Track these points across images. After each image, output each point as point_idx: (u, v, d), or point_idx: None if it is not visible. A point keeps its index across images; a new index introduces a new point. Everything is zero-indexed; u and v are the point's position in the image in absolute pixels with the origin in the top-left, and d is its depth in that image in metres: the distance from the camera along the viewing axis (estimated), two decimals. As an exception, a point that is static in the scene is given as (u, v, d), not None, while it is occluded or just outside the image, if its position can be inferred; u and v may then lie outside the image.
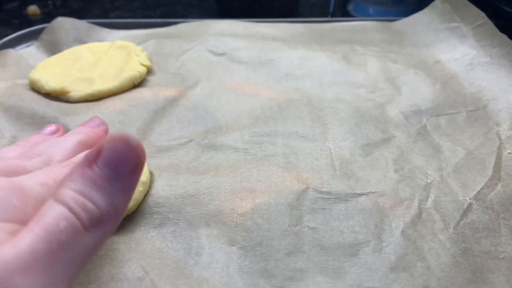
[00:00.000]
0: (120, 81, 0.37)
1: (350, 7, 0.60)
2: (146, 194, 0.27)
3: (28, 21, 0.64)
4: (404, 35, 0.45)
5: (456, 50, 0.41)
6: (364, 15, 0.58)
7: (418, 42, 0.44)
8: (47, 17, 0.65)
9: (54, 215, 0.15)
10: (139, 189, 0.26)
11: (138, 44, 0.44)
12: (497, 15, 0.44)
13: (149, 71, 0.40)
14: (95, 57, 0.41)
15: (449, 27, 0.43)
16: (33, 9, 0.66)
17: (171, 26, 0.48)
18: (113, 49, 0.42)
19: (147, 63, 0.39)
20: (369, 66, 0.40)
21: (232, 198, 0.27)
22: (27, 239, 0.15)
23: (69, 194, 0.16)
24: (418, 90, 0.36)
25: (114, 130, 0.33)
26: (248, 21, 0.48)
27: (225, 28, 0.45)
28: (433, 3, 0.47)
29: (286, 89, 0.37)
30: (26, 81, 0.39)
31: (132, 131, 0.33)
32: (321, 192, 0.27)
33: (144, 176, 0.27)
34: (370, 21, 0.49)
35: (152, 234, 0.25)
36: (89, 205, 0.16)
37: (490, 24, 0.41)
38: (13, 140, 0.32)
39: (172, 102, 0.36)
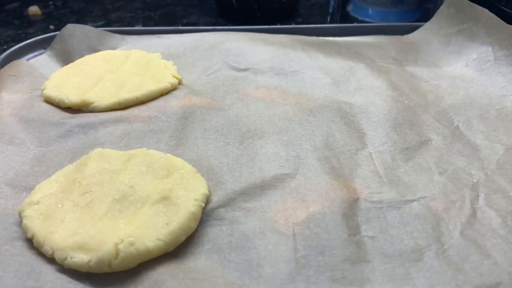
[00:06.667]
0: (148, 90, 0.36)
1: (350, 8, 0.60)
2: None
3: (29, 22, 0.62)
4: (418, 47, 0.45)
5: (472, 50, 0.42)
6: (363, 16, 0.58)
7: (433, 51, 0.44)
8: (48, 17, 0.64)
9: None
10: (202, 204, 0.25)
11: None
12: (497, 16, 0.45)
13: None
14: (112, 66, 0.40)
15: (459, 29, 0.44)
16: (34, 9, 0.64)
17: (184, 34, 0.47)
18: (130, 58, 0.41)
19: (179, 76, 0.39)
20: (392, 76, 0.40)
21: (284, 208, 0.26)
22: None
23: None
24: (442, 98, 0.37)
25: (145, 137, 0.32)
26: (261, 33, 0.47)
27: (241, 42, 0.45)
28: (438, 10, 0.47)
29: (314, 97, 0.37)
30: (42, 93, 0.37)
31: (164, 137, 0.32)
32: (373, 202, 0.27)
33: (206, 189, 0.27)
34: (382, 36, 0.48)
35: (208, 246, 0.24)
36: None
37: (496, 19, 0.41)
38: (39, 154, 0.31)
39: (201, 110, 0.35)
